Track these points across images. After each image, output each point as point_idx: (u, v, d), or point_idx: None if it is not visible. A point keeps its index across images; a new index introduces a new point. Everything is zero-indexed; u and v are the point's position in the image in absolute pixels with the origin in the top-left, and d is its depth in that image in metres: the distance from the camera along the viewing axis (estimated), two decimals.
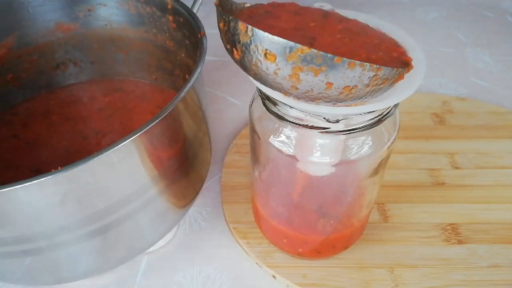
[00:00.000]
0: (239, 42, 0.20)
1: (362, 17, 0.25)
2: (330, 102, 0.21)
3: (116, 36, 0.40)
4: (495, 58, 0.57)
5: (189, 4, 0.33)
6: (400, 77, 0.21)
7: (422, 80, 0.22)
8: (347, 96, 0.20)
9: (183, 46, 0.35)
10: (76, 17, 0.39)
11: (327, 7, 0.26)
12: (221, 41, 0.22)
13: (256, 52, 0.20)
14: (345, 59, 0.19)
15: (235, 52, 0.21)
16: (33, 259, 0.25)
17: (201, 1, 0.34)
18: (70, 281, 0.30)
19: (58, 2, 0.38)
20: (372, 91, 0.20)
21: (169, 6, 0.34)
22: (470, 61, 0.56)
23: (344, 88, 0.20)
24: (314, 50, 0.18)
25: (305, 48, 0.18)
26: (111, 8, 0.38)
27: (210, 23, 0.34)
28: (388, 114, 0.23)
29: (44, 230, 0.24)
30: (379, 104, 0.21)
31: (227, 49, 0.22)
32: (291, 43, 0.19)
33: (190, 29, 0.32)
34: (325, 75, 0.19)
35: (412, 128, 0.45)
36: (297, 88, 0.20)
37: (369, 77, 0.19)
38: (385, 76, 0.20)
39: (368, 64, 0.19)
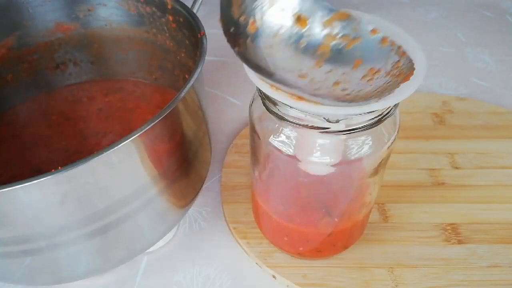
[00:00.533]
0: (261, 9, 0.18)
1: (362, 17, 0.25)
2: (345, 90, 0.19)
3: (116, 36, 0.40)
4: (495, 58, 0.57)
5: (189, 4, 0.33)
6: (406, 78, 0.21)
7: (422, 80, 0.22)
8: (368, 82, 0.19)
9: (183, 46, 0.35)
10: (76, 17, 0.39)
11: None
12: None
13: (285, 17, 0.18)
14: (379, 33, 0.18)
15: (252, 22, 0.19)
16: (33, 259, 0.25)
17: (201, 1, 0.34)
18: (70, 281, 0.30)
19: (58, 2, 0.38)
20: (387, 82, 0.20)
21: (169, 6, 0.34)
22: (470, 61, 0.56)
23: (369, 70, 0.19)
24: (353, 16, 0.17)
25: (345, 13, 0.17)
26: (111, 8, 0.38)
27: (210, 23, 0.34)
28: (388, 114, 0.23)
29: (44, 230, 0.24)
30: (379, 104, 0.21)
31: (237, 23, 0.19)
32: (331, 6, 0.17)
33: (190, 29, 0.32)
34: (358, 48, 0.18)
35: (412, 128, 0.45)
36: (321, 65, 0.18)
37: (393, 62, 0.19)
38: (403, 66, 0.19)
39: (397, 44, 0.18)
